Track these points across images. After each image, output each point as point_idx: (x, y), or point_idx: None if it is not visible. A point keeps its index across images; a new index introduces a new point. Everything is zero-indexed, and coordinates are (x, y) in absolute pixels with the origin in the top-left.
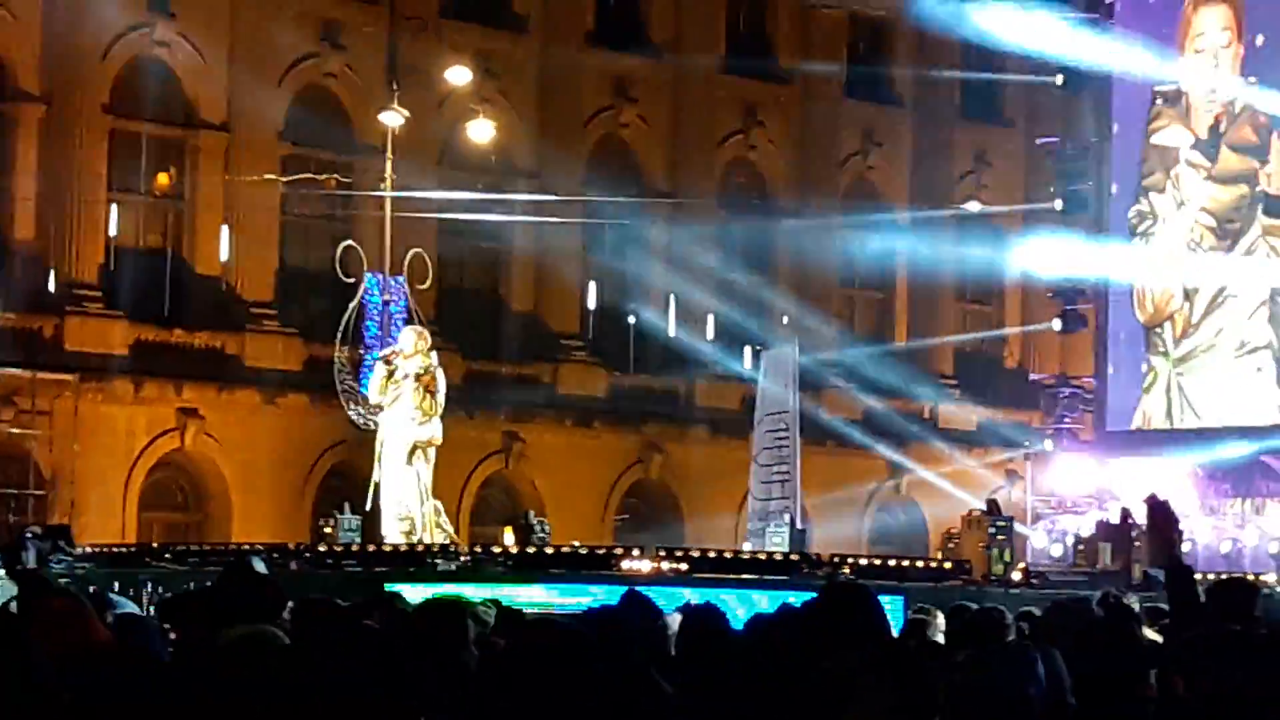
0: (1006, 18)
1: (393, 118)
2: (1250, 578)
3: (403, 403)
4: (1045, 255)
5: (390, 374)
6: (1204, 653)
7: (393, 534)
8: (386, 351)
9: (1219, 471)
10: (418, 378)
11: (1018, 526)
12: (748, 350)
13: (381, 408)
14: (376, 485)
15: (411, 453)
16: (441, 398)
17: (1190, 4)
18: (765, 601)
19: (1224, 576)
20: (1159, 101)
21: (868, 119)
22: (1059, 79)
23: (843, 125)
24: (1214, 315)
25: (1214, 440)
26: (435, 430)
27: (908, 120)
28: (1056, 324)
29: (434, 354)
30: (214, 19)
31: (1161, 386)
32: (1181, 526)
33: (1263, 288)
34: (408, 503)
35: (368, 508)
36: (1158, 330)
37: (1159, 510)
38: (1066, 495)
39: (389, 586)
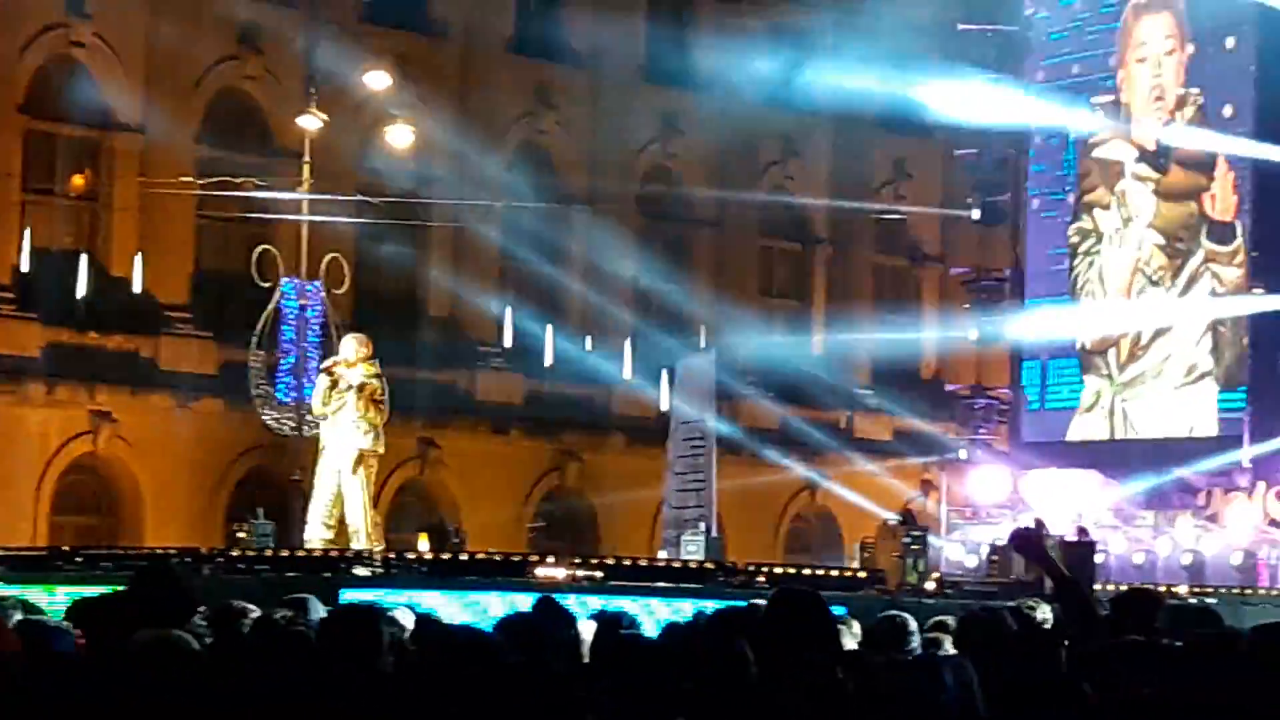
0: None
1: (310, 122)
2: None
3: (346, 413)
4: (963, 263)
5: (334, 384)
6: (1104, 665)
7: (317, 542)
8: (329, 362)
9: (1129, 482)
10: (360, 388)
11: (932, 537)
12: (665, 359)
13: (326, 416)
14: (312, 492)
15: (357, 463)
16: (386, 407)
17: (1131, 14)
18: (679, 610)
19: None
20: (1098, 112)
21: (787, 129)
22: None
23: (760, 135)
24: (1161, 341)
25: (1128, 453)
26: (379, 440)
27: (828, 130)
28: (973, 333)
29: (377, 362)
30: (130, 21)
31: (1104, 409)
32: (1054, 540)
33: (1207, 315)
34: (353, 513)
35: (309, 514)
36: (1100, 354)
37: (1024, 545)
38: (981, 505)
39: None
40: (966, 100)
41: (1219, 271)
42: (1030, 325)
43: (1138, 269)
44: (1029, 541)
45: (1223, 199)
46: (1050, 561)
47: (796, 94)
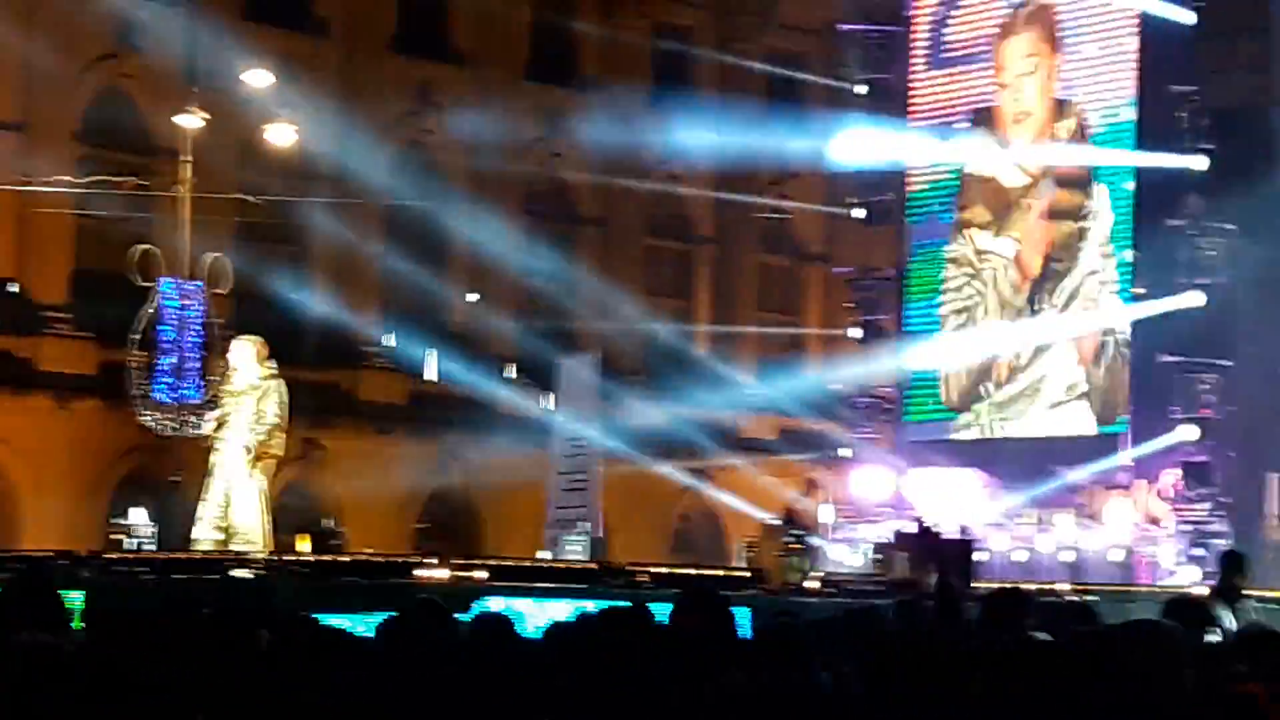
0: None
1: (191, 120)
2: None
3: (242, 413)
4: (847, 262)
5: (227, 384)
6: (977, 663)
7: (207, 543)
8: (224, 363)
9: (1010, 481)
10: (253, 388)
11: (815, 536)
12: (550, 358)
13: (222, 421)
14: (205, 493)
15: (254, 464)
16: (284, 409)
17: (1000, 34)
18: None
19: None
20: (973, 127)
21: (671, 128)
22: (860, 89)
23: (645, 135)
24: (1038, 361)
25: (1009, 453)
26: (277, 442)
27: (711, 129)
28: (856, 332)
29: (273, 362)
30: (11, 15)
31: (976, 432)
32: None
33: (1086, 329)
34: (248, 515)
35: (199, 514)
36: (981, 382)
37: (923, 537)
38: (864, 505)
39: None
40: (845, 106)
41: (1098, 286)
42: (912, 340)
43: (1016, 288)
44: (926, 531)
45: (1101, 212)
46: (939, 556)
47: (679, 92)
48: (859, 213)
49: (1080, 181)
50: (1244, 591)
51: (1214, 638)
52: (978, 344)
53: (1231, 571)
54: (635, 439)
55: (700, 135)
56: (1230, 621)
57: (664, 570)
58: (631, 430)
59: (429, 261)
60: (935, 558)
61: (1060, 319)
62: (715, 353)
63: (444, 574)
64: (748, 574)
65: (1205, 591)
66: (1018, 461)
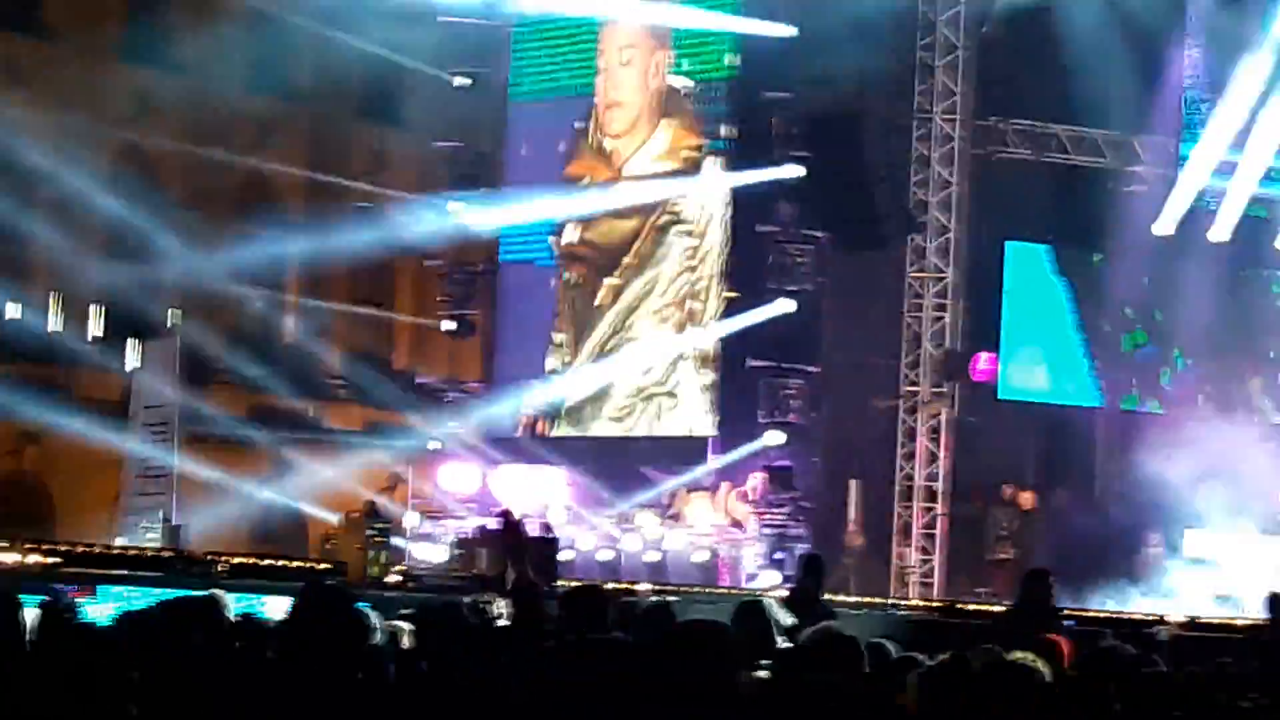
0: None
1: None
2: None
3: None
4: (440, 258)
5: None
6: (553, 660)
7: None
8: None
9: (597, 480)
10: None
11: (398, 530)
12: (130, 341)
13: None
14: None
15: None
16: None
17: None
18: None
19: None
20: (577, 125)
21: (263, 114)
22: (461, 80)
23: (236, 120)
24: (626, 361)
25: (596, 451)
26: None
27: (305, 117)
28: (447, 325)
29: None
30: None
31: (564, 429)
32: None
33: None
34: None
35: None
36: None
37: (505, 530)
38: (449, 499)
39: None
40: (445, 103)
41: (700, 299)
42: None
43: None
44: (510, 528)
45: (699, 223)
46: (523, 553)
47: (275, 78)
48: (456, 205)
49: (670, 186)
50: (820, 595)
51: (784, 640)
52: (570, 346)
53: (808, 575)
54: (218, 425)
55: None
56: (793, 622)
57: (241, 560)
58: (215, 416)
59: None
60: (518, 554)
61: (650, 322)
62: (303, 340)
63: (12, 558)
64: (326, 566)
65: (783, 594)
66: (605, 460)
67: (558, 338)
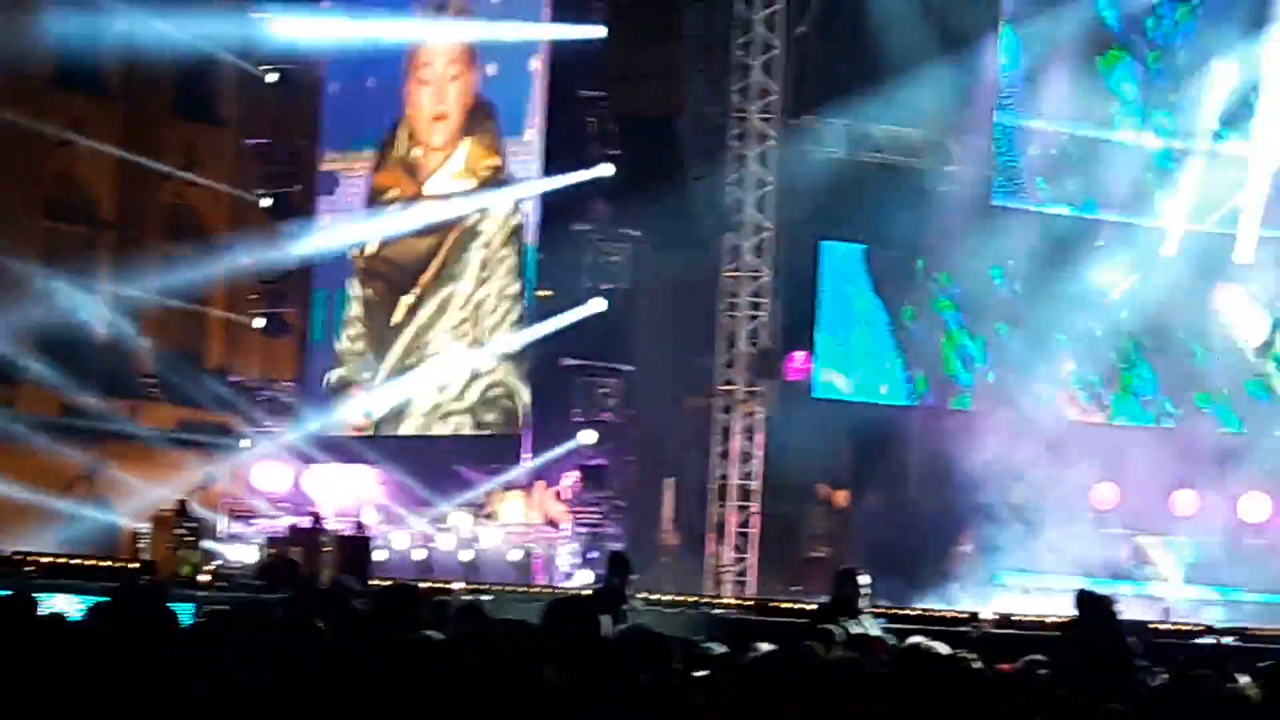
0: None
1: None
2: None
3: None
4: (253, 257)
5: None
6: (368, 660)
7: None
8: None
9: (412, 479)
10: None
11: (208, 530)
12: None
13: None
14: None
15: None
16: None
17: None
18: None
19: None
20: (385, 134)
21: (76, 110)
22: (272, 76)
23: (48, 115)
24: (438, 361)
25: (410, 450)
26: None
27: (118, 114)
28: (259, 323)
29: None
30: None
31: (380, 428)
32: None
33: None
34: None
35: None
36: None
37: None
38: (262, 499)
39: None
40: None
41: (499, 313)
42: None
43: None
44: (323, 530)
45: (500, 234)
46: (335, 552)
47: (87, 73)
48: (266, 201)
49: (473, 193)
50: (626, 593)
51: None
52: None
53: (614, 573)
54: (25, 424)
55: (106, 117)
56: (608, 622)
57: (50, 560)
58: (21, 415)
59: None
60: (330, 554)
61: (450, 337)
62: (115, 338)
63: None
64: (135, 565)
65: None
66: (418, 460)
67: (357, 346)
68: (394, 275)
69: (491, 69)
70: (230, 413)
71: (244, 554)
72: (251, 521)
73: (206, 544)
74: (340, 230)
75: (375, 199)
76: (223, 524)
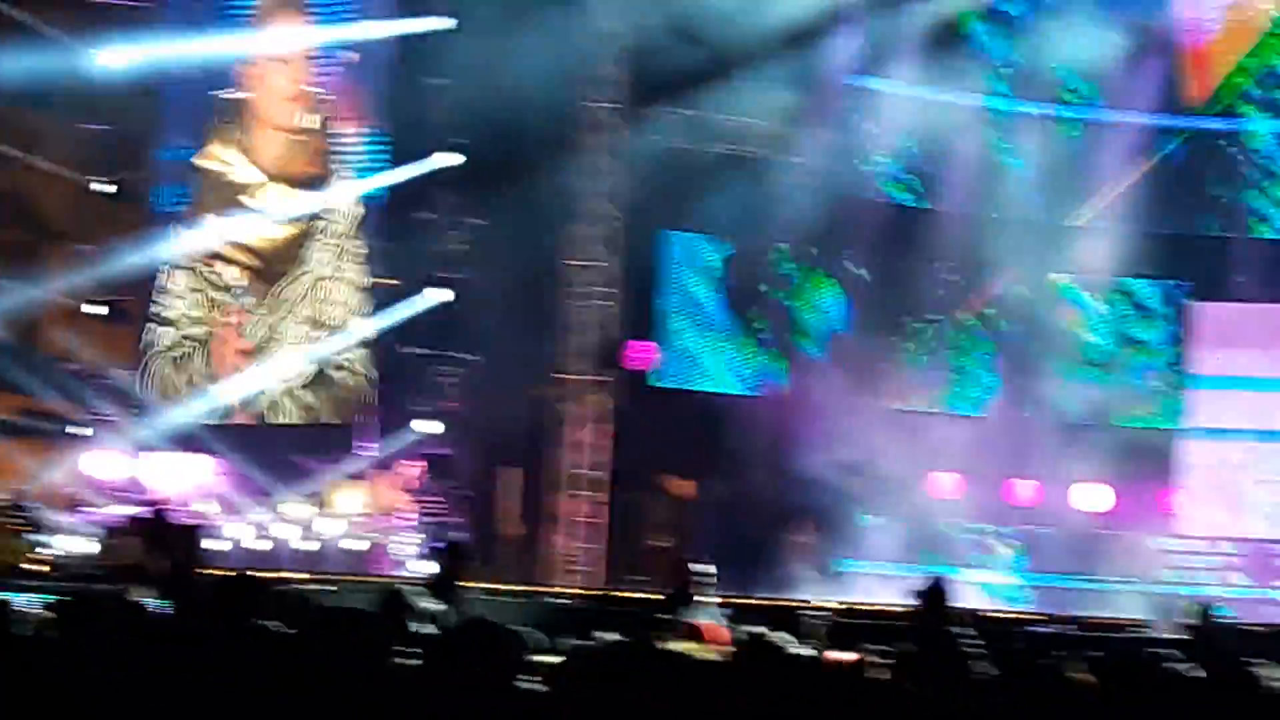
0: None
1: None
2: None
3: None
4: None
5: None
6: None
7: None
8: None
9: (252, 469)
10: None
11: (41, 519)
12: None
13: None
14: None
15: None
16: None
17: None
18: None
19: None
20: (218, 119)
21: None
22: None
23: None
24: (277, 348)
25: (249, 438)
26: None
27: None
28: (98, 310)
29: None
30: None
31: (218, 417)
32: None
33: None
34: None
35: None
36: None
37: (152, 527)
38: (98, 487)
39: None
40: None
41: (343, 302)
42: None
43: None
44: (157, 525)
45: (341, 225)
46: (171, 542)
47: None
48: (109, 188)
49: (317, 181)
50: (460, 581)
51: (426, 627)
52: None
53: (451, 562)
54: None
55: None
56: (442, 610)
57: None
58: None
59: None
60: (168, 544)
61: (296, 326)
62: None
63: None
64: None
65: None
66: (258, 449)
67: (197, 331)
68: (240, 264)
69: (332, 63)
70: (67, 401)
71: (79, 544)
72: (86, 511)
73: (39, 535)
74: (183, 219)
75: (218, 189)
76: (56, 513)
